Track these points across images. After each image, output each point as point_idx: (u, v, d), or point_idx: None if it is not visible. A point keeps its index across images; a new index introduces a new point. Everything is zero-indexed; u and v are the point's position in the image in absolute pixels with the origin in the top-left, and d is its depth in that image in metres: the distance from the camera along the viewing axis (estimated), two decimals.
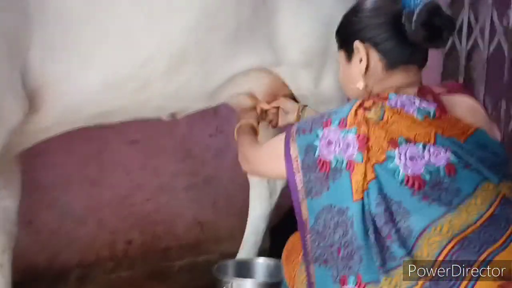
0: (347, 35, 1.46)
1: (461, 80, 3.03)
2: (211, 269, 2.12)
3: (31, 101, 1.54)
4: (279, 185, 2.36)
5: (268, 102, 1.98)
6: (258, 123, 1.97)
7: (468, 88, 2.27)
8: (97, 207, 2.23)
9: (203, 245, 2.55)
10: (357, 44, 1.42)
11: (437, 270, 1.26)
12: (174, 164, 2.45)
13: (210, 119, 2.49)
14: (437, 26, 1.37)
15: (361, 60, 1.42)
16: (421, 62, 1.45)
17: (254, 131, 1.87)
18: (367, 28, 1.41)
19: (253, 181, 2.32)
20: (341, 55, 1.50)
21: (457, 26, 2.91)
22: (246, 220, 2.35)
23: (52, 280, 2.11)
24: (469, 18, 3.00)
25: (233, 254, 2.39)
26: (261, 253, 2.35)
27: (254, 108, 2.00)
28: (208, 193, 2.56)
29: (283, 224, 2.61)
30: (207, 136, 2.55)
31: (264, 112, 1.98)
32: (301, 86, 1.96)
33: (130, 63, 1.62)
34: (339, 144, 1.36)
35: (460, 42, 3.02)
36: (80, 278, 2.18)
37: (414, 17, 1.35)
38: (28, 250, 2.04)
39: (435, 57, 2.86)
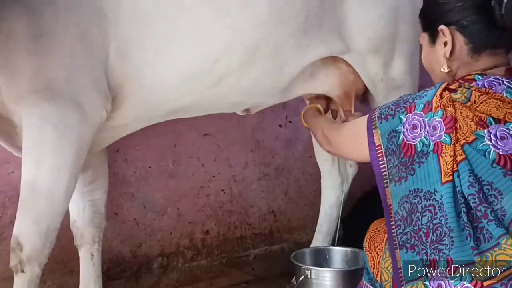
0: (431, 17, 1.44)
1: None
2: (287, 257, 2.14)
3: (113, 99, 1.60)
4: (351, 173, 2.35)
5: (343, 101, 1.98)
6: (327, 108, 1.99)
7: None
8: (175, 199, 2.30)
9: (276, 234, 2.58)
10: (442, 27, 1.40)
11: None
12: (245, 155, 2.49)
13: (279, 110, 2.51)
14: None
15: (445, 44, 1.40)
16: (509, 46, 1.41)
17: (322, 114, 1.88)
18: (453, 11, 1.38)
19: (325, 170, 2.32)
20: (425, 37, 1.48)
21: None
22: (318, 209, 2.36)
23: (136, 270, 2.20)
24: None
25: (306, 243, 2.41)
26: (334, 241, 2.36)
27: (322, 96, 2.01)
28: (279, 183, 2.59)
29: (355, 213, 2.60)
30: (277, 127, 2.57)
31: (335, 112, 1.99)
32: (370, 73, 1.95)
33: (204, 58, 1.66)
34: (425, 128, 1.35)
35: None
36: (162, 267, 2.26)
37: (505, 0, 1.31)
38: (114, 241, 2.13)
39: None
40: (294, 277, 2.11)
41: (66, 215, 1.83)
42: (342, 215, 2.45)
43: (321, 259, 2.18)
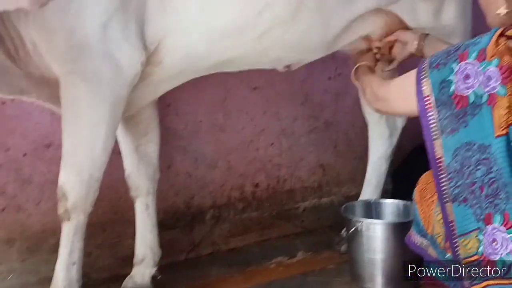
0: None
1: None
2: (335, 210, 2.17)
3: (155, 52, 1.61)
4: (400, 124, 2.31)
5: (385, 43, 1.93)
6: (375, 65, 1.94)
7: None
8: (226, 152, 2.34)
9: (325, 187, 2.60)
10: None
11: None
12: (294, 109, 2.49)
13: (328, 62, 2.47)
14: None
15: None
16: None
17: (373, 72, 1.84)
18: None
19: (372, 121, 2.29)
20: None
21: None
22: (366, 163, 2.35)
23: (190, 220, 2.27)
24: None
25: (355, 196, 2.42)
26: (383, 195, 2.35)
27: (369, 49, 1.96)
28: (328, 136, 2.59)
29: (405, 166, 2.58)
30: (326, 80, 2.55)
31: (379, 50, 1.93)
32: (420, 20, 1.88)
33: (249, 9, 1.64)
34: (479, 78, 1.30)
35: None
36: (215, 218, 2.32)
37: None
38: (168, 192, 2.20)
39: None
40: (343, 230, 2.14)
41: (122, 168, 1.92)
42: (391, 168, 2.44)
43: (371, 212, 2.19)
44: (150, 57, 1.61)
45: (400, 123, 2.32)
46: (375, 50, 1.94)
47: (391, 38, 1.90)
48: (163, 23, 1.58)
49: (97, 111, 1.54)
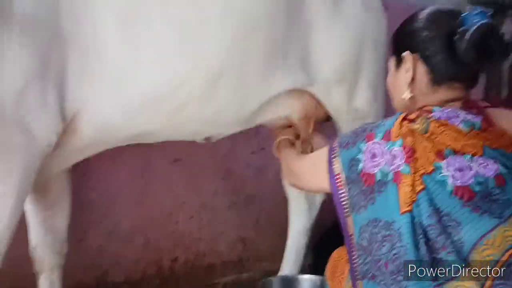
0: (399, 42, 1.46)
1: (504, 94, 2.98)
2: (255, 286, 2.12)
3: (71, 122, 1.57)
4: (318, 199, 2.35)
5: (303, 124, 1.99)
6: (296, 139, 1.99)
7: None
8: (143, 225, 2.27)
9: (245, 262, 2.55)
10: (406, 54, 1.42)
11: (491, 284, 1.24)
12: (216, 183, 2.47)
13: (251, 137, 2.51)
14: (488, 50, 1.34)
15: (407, 71, 1.42)
16: (470, 81, 1.43)
17: (292, 146, 1.88)
18: (419, 40, 1.40)
19: (292, 195, 2.31)
20: (392, 60, 1.50)
21: None
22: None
23: None
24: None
25: (276, 272, 2.38)
26: (304, 270, 2.34)
27: (290, 126, 2.01)
28: (250, 211, 2.58)
29: (326, 240, 2.59)
30: (249, 154, 2.57)
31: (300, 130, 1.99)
32: (335, 104, 1.96)
33: (166, 84, 1.64)
34: (385, 157, 1.35)
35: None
36: None
37: (467, 36, 1.33)
38: (77, 268, 2.08)
39: None
40: None
41: (27, 241, 1.81)
42: (312, 242, 2.44)
43: (290, 287, 2.16)
44: (65, 126, 1.58)
45: (319, 198, 2.36)
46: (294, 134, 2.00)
47: (305, 136, 1.97)
48: (80, 93, 1.56)
49: (6, 182, 1.47)
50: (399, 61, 1.45)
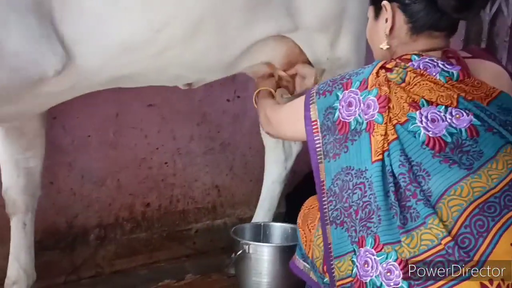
0: None
1: (483, 46, 2.97)
2: (228, 232, 2.15)
3: None
4: (295, 149, 2.36)
5: (285, 70, 1.96)
6: (276, 90, 1.96)
7: (492, 54, 2.23)
8: (115, 170, 2.25)
9: (219, 209, 2.57)
10: (384, 3, 1.40)
11: (456, 233, 1.25)
12: (191, 128, 2.45)
13: (228, 84, 2.47)
14: None
15: (386, 20, 1.40)
16: (449, 29, 1.41)
17: (272, 97, 1.86)
18: None
19: (269, 145, 2.32)
20: (370, 10, 1.47)
21: None
22: (262, 185, 2.36)
23: (72, 240, 2.15)
24: None
25: (249, 218, 2.41)
26: (277, 218, 2.37)
27: (271, 75, 1.98)
28: (225, 158, 2.57)
29: (299, 190, 2.62)
30: (225, 101, 2.54)
31: (281, 79, 1.97)
32: (317, 51, 1.94)
33: (147, 27, 1.60)
34: (360, 106, 1.35)
35: (484, 8, 2.96)
36: (99, 239, 2.21)
37: None
38: (49, 210, 2.07)
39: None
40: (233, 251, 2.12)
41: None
42: (286, 191, 2.46)
43: (261, 234, 2.20)
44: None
45: (295, 148, 2.36)
46: (276, 77, 1.97)
47: (291, 71, 1.95)
48: (62, 32, 1.50)
49: None
50: (378, 11, 1.43)
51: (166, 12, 1.59)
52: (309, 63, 1.98)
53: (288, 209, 2.64)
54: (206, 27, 1.67)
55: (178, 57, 1.70)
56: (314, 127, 1.42)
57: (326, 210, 1.39)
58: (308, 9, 1.83)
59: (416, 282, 1.24)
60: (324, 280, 1.44)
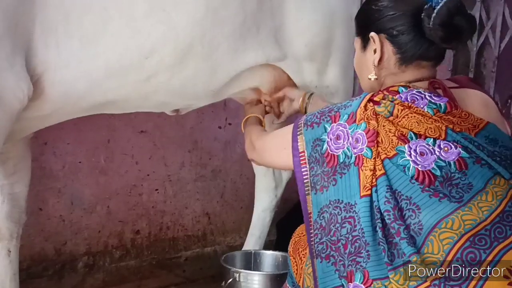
0: (364, 23, 1.44)
1: (471, 76, 3.01)
2: (218, 260, 2.13)
3: (35, 84, 1.50)
4: (285, 177, 2.36)
5: (272, 94, 1.97)
6: (264, 116, 1.97)
7: (478, 82, 2.25)
8: (106, 196, 2.24)
9: (209, 236, 2.56)
10: (372, 34, 1.40)
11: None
12: (182, 155, 2.45)
13: (219, 111, 2.48)
14: (456, 27, 1.33)
15: (375, 51, 1.40)
16: (437, 59, 1.42)
17: (261, 124, 1.87)
18: (385, 19, 1.38)
19: (259, 173, 2.31)
20: (357, 41, 1.47)
21: None
22: (253, 213, 2.35)
23: (60, 268, 2.12)
24: (480, 14, 2.98)
25: (240, 246, 2.40)
26: (268, 246, 2.36)
27: (259, 101, 1.99)
28: (215, 185, 2.57)
29: (290, 218, 2.61)
30: (216, 128, 2.55)
31: (269, 103, 1.97)
32: (305, 79, 1.95)
33: (134, 52, 1.60)
34: (348, 139, 1.34)
35: (471, 39, 3.01)
36: (88, 266, 2.19)
37: (434, 14, 1.32)
38: (37, 237, 2.05)
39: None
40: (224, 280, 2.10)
41: None
42: (276, 219, 2.46)
43: (252, 262, 2.18)
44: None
45: (286, 175, 2.36)
46: (265, 103, 1.98)
47: (279, 94, 1.95)
48: (45, 56, 1.50)
49: None
50: (366, 42, 1.44)
51: (155, 38, 1.59)
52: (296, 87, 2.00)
53: (278, 237, 2.63)
54: (195, 54, 1.67)
55: (165, 84, 1.69)
56: (301, 158, 1.41)
57: (313, 242, 1.38)
58: (296, 37, 1.85)
59: None
60: None
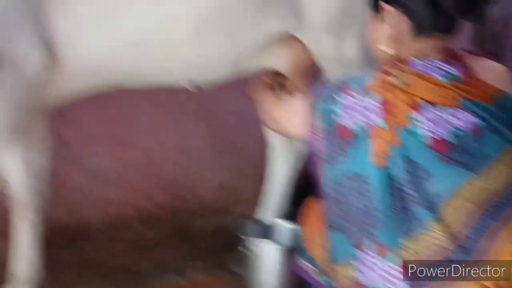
0: None
1: (488, 46, 2.94)
2: (236, 231, 2.15)
3: (53, 56, 1.52)
4: (300, 148, 2.35)
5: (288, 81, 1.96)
6: (279, 84, 1.97)
7: (496, 55, 2.19)
8: (123, 168, 2.27)
9: (226, 207, 2.58)
10: (384, 5, 1.38)
11: (461, 234, 1.25)
12: (199, 127, 2.46)
13: (236, 83, 2.47)
14: None
15: (387, 22, 1.39)
16: (451, 31, 1.39)
17: (272, 89, 1.87)
18: None
19: (274, 143, 2.31)
20: (370, 13, 1.46)
21: None
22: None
23: (79, 239, 2.18)
24: None
25: (256, 217, 2.41)
26: (282, 217, 2.37)
27: (275, 73, 1.99)
28: (232, 156, 2.58)
29: (305, 189, 2.62)
30: (233, 99, 2.55)
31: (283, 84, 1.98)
32: (323, 50, 1.94)
33: (155, 23, 1.61)
34: (360, 110, 1.34)
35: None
36: (107, 238, 2.24)
37: None
38: (56, 207, 2.09)
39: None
40: (240, 251, 2.13)
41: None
42: (292, 190, 2.46)
43: (268, 234, 2.19)
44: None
45: (301, 147, 2.35)
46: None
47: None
48: (63, 24, 1.50)
49: None
50: (377, 12, 1.42)
51: (174, 10, 1.60)
52: (315, 68, 1.98)
53: (292, 209, 2.64)
54: (214, 24, 1.67)
55: (185, 55, 1.70)
56: (314, 131, 1.41)
57: (325, 214, 1.39)
58: (313, 7, 1.83)
59: (417, 283, 1.24)
60: (327, 280, 1.45)
